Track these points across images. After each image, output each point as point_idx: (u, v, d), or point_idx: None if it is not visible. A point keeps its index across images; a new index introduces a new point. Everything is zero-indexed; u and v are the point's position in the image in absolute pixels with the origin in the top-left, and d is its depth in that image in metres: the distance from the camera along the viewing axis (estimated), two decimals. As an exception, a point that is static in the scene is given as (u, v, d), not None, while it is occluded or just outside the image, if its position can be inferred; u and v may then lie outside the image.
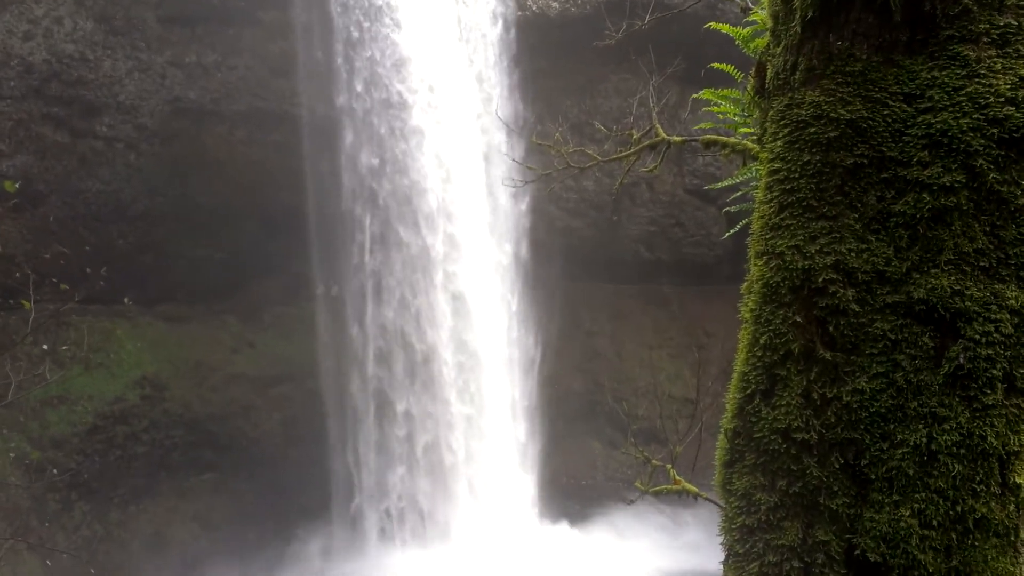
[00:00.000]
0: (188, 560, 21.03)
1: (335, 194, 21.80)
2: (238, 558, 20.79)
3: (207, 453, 22.63)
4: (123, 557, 20.14)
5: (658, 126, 7.39)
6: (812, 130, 2.78)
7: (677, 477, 7.33)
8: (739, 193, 4.91)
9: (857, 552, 2.61)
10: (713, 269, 27.66)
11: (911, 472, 2.56)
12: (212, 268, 23.19)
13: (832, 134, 2.75)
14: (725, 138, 5.57)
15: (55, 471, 18.13)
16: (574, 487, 25.04)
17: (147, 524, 21.09)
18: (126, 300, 16.84)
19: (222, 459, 22.63)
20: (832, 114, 2.75)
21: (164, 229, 22.53)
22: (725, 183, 5.06)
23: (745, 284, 3.02)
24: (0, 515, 16.09)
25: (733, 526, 2.84)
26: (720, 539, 2.95)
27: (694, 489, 7.17)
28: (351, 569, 20.83)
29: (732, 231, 4.93)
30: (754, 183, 4.51)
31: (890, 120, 2.72)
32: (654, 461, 7.87)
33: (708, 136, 6.14)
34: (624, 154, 7.48)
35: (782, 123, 2.88)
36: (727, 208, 5.56)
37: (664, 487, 7.49)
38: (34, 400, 19.61)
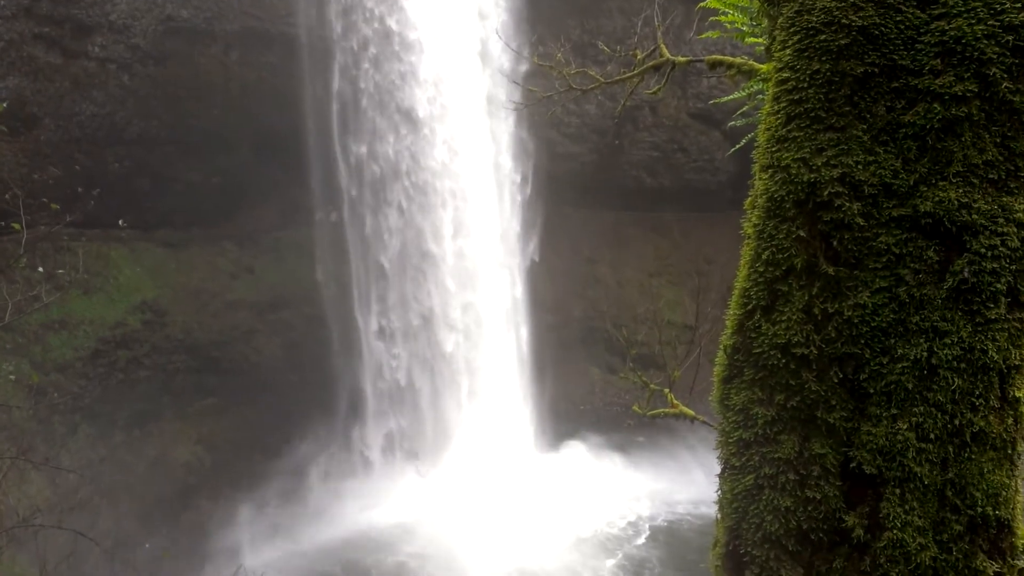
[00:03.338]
0: (192, 482, 21.43)
1: (332, 117, 21.48)
2: (241, 480, 21.18)
3: (210, 378, 22.86)
4: (129, 478, 20.51)
5: (663, 46, 7.17)
6: (822, 37, 2.68)
7: (675, 401, 7.37)
8: (744, 108, 4.79)
9: (853, 465, 2.62)
10: (715, 195, 27.47)
11: (910, 386, 2.55)
12: (208, 193, 23.02)
13: (843, 41, 2.65)
14: (731, 58, 5.41)
15: (56, 394, 18.28)
16: (573, 412, 25.37)
17: (151, 447, 21.42)
18: (121, 223, 16.75)
19: (224, 384, 22.88)
20: (843, 20, 2.65)
21: (159, 153, 22.28)
22: (731, 97, 4.93)
23: (749, 199, 2.96)
24: (5, 436, 16.31)
25: (730, 440, 2.84)
26: (716, 454, 2.96)
27: (691, 412, 7.22)
28: (352, 490, 21.24)
29: (736, 147, 4.82)
30: (761, 96, 4.40)
31: (903, 27, 2.62)
32: (652, 386, 7.91)
33: (713, 56, 5.96)
34: (627, 75, 7.28)
35: (791, 31, 2.77)
36: (732, 123, 5.44)
37: (662, 411, 7.54)
38: (35, 324, 19.70)
